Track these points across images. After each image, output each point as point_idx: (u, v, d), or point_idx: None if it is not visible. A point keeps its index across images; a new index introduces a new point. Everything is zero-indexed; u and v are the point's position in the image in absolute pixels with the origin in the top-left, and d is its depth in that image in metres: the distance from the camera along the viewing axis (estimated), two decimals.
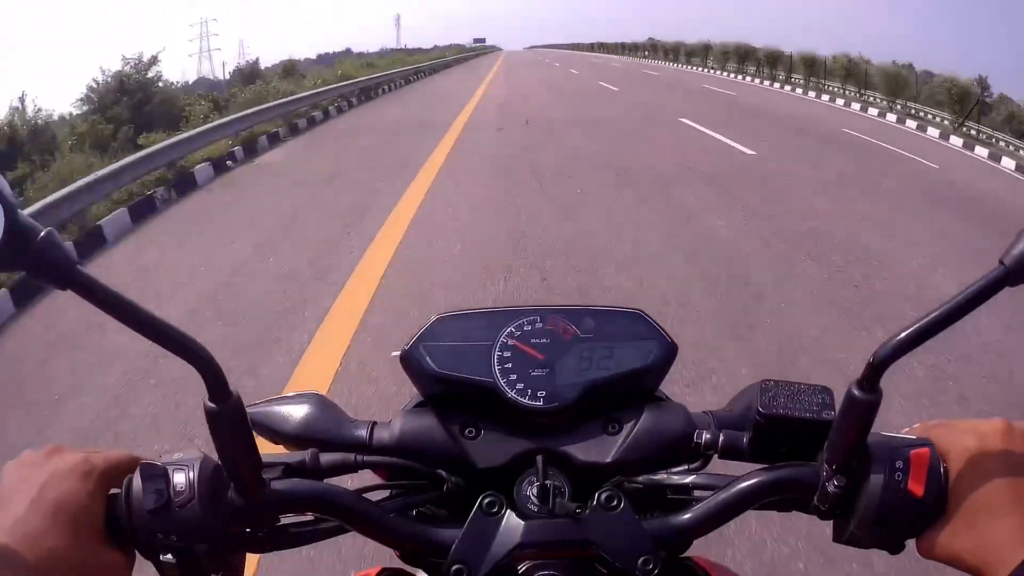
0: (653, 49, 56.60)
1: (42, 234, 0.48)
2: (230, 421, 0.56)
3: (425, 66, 37.82)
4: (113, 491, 0.59)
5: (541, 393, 0.68)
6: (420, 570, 0.73)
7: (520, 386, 0.69)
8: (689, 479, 0.67)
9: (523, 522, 0.61)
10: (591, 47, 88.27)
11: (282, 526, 0.65)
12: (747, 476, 0.63)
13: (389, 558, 0.71)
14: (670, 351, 0.72)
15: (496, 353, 0.70)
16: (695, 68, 40.87)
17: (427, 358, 0.70)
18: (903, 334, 0.54)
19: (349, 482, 0.65)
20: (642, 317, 0.73)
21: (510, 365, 0.70)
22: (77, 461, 0.59)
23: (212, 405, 0.56)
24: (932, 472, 0.58)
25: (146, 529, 0.57)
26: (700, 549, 0.71)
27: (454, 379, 0.70)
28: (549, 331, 0.72)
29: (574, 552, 0.62)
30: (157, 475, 0.58)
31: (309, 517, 0.66)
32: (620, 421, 0.70)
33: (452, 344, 0.71)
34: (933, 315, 0.53)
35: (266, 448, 0.65)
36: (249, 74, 23.58)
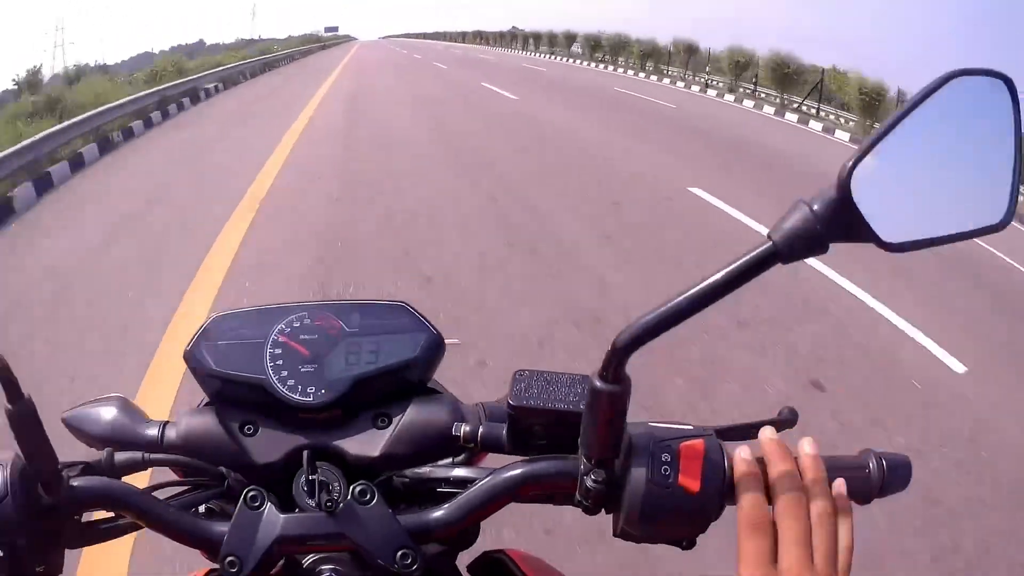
0: (514, 38, 57.26)
1: None
2: (25, 421, 0.58)
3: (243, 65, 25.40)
4: None
5: (311, 389, 0.69)
6: None
7: (291, 382, 0.69)
8: (452, 473, 0.69)
9: (281, 516, 0.62)
10: (452, 37, 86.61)
11: (88, 522, 0.66)
12: (504, 469, 0.63)
13: None
14: (436, 343, 0.73)
15: (268, 350, 0.71)
16: (547, 56, 41.51)
17: (206, 357, 0.70)
18: (644, 319, 0.53)
19: (149, 481, 0.69)
20: (407, 309, 0.74)
21: (281, 362, 0.70)
22: None
23: (10, 407, 0.58)
24: (709, 465, 0.58)
25: None
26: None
27: (229, 377, 0.70)
28: (317, 327, 0.72)
29: (332, 546, 0.63)
30: None
31: (111, 514, 0.67)
32: (389, 415, 0.70)
33: (228, 343, 0.71)
34: (682, 298, 0.52)
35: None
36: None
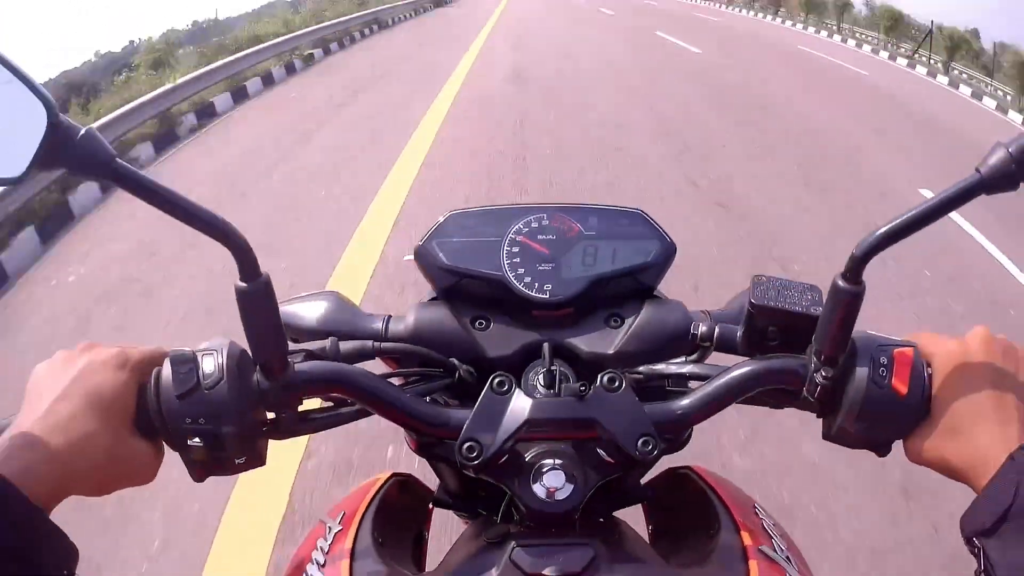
0: None
1: (82, 132, 0.52)
2: (260, 299, 0.58)
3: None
4: (144, 384, 0.61)
5: (547, 286, 0.72)
6: (427, 459, 0.76)
7: (527, 280, 0.72)
8: (686, 369, 0.70)
9: (531, 399, 0.63)
10: None
11: (304, 412, 0.66)
12: (739, 365, 0.65)
13: (400, 462, 0.74)
14: (669, 250, 0.75)
15: (505, 248, 0.73)
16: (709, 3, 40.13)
17: (439, 253, 0.73)
18: (883, 229, 0.56)
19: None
20: (643, 217, 0.76)
21: (518, 260, 0.73)
22: (111, 354, 0.60)
23: (243, 284, 0.57)
24: (915, 373, 0.60)
25: (175, 414, 0.58)
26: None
27: (465, 272, 0.73)
28: (555, 228, 0.75)
29: (578, 430, 0.64)
30: (186, 361, 0.59)
31: (328, 404, 0.68)
32: (621, 315, 0.73)
33: (463, 240, 0.74)
34: (911, 214, 0.56)
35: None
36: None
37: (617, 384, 0.64)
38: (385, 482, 0.79)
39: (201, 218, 0.55)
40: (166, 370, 0.59)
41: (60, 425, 0.55)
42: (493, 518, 0.72)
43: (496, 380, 0.64)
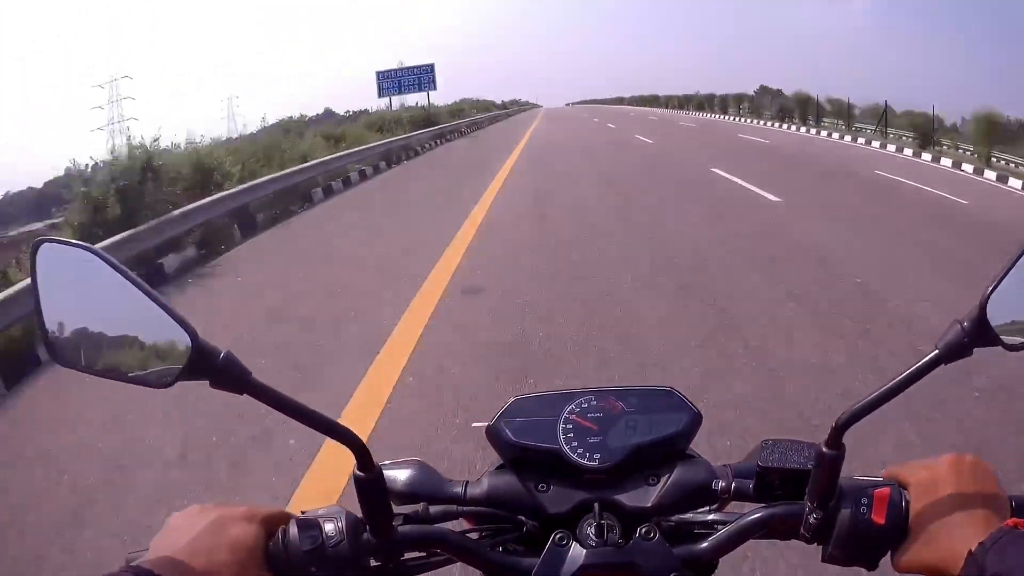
0: (687, 101, 58.78)
1: (223, 354, 0.68)
2: (374, 485, 0.76)
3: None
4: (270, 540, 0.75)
5: (596, 455, 0.88)
6: None
7: (580, 450, 0.88)
8: (710, 517, 0.85)
9: (584, 550, 0.78)
10: (628, 101, 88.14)
11: (403, 562, 0.82)
12: (750, 512, 0.80)
13: None
14: (696, 419, 0.91)
15: (561, 426, 0.90)
16: (734, 119, 41.70)
17: (506, 431, 0.90)
18: (859, 404, 0.73)
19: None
20: (674, 393, 0.93)
21: (572, 435, 0.89)
22: (242, 511, 0.74)
23: (361, 474, 0.75)
24: (892, 505, 0.75)
25: (303, 567, 0.74)
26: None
27: (528, 447, 0.89)
28: (602, 407, 0.91)
29: (622, 573, 0.78)
30: (312, 524, 0.76)
31: (422, 555, 0.83)
32: (658, 475, 0.88)
33: (526, 419, 0.91)
34: (882, 390, 0.72)
35: None
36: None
37: (652, 535, 0.79)
38: None
39: (326, 424, 0.72)
40: (293, 529, 0.76)
41: (199, 555, 0.67)
42: None
43: (558, 536, 0.80)
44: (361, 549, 0.77)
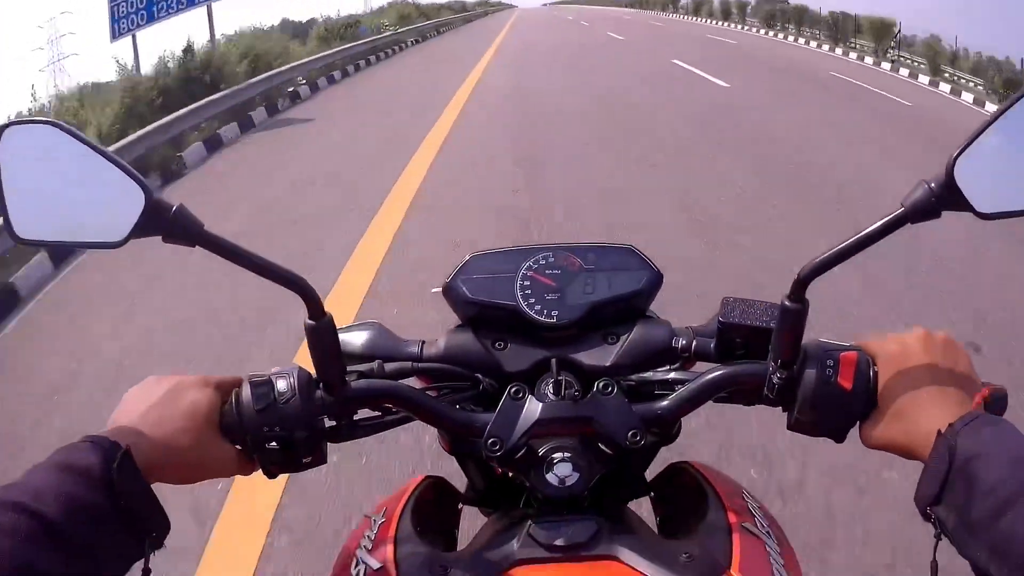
0: (668, 4, 56.17)
1: (175, 208, 0.66)
2: (324, 334, 0.73)
3: None
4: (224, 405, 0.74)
5: (554, 312, 0.86)
6: (457, 458, 0.91)
7: (538, 307, 0.86)
8: (670, 376, 0.84)
9: (540, 403, 0.76)
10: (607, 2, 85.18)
11: (356, 420, 0.80)
12: (710, 370, 0.78)
13: (431, 465, 0.91)
14: (657, 278, 0.89)
15: (518, 282, 0.88)
16: (706, 20, 40.74)
17: (463, 288, 0.88)
18: (822, 256, 0.69)
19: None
20: (634, 252, 0.90)
21: (529, 291, 0.87)
22: (197, 378, 0.74)
23: (311, 322, 0.72)
24: (860, 371, 0.72)
25: (255, 423, 0.72)
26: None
27: (486, 303, 0.87)
28: (560, 264, 0.89)
29: (579, 427, 0.77)
30: (264, 383, 0.74)
31: (377, 413, 0.82)
32: (617, 334, 0.87)
33: (483, 277, 0.88)
34: (847, 243, 0.68)
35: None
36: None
37: (610, 389, 0.77)
38: (420, 483, 0.91)
39: (277, 272, 0.69)
40: (245, 390, 0.74)
41: (156, 424, 0.68)
42: (514, 508, 0.87)
43: (513, 389, 0.77)
44: (314, 406, 0.74)
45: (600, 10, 64.57)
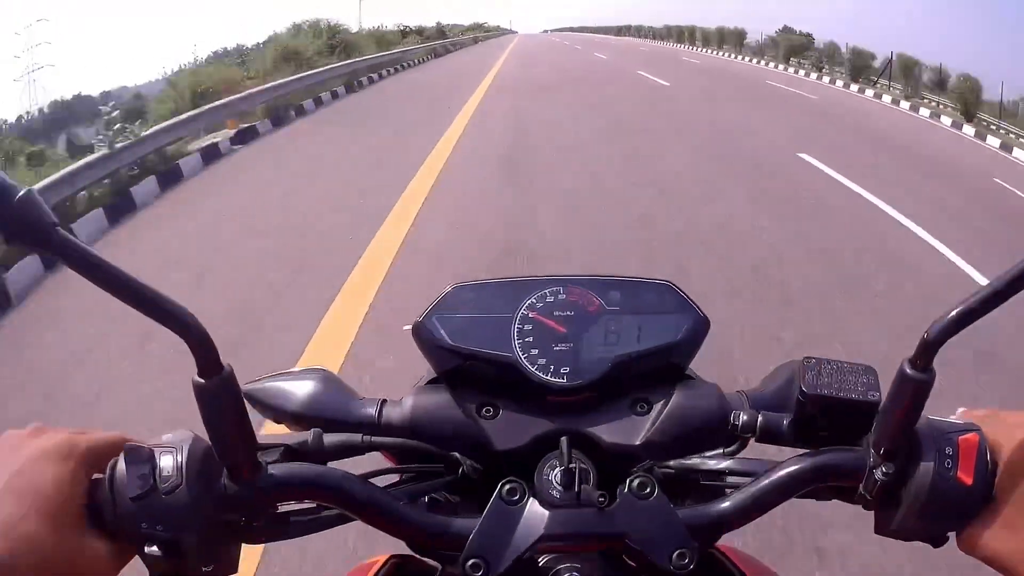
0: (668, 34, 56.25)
1: (20, 194, 0.44)
2: (221, 397, 0.51)
3: None
4: (96, 476, 0.54)
5: (564, 369, 0.64)
6: (432, 560, 0.68)
7: (542, 361, 0.64)
8: (724, 464, 0.62)
9: (547, 511, 0.56)
10: (608, 31, 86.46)
11: (282, 514, 0.60)
12: (789, 462, 0.58)
13: (398, 545, 0.66)
14: (701, 326, 0.68)
15: (516, 326, 0.65)
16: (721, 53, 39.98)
17: (441, 330, 0.66)
18: (955, 311, 0.51)
19: (355, 467, 0.60)
20: (672, 289, 0.69)
21: (531, 339, 0.65)
22: (58, 442, 0.53)
23: (201, 380, 0.51)
24: (980, 459, 0.55)
25: (130, 517, 0.52)
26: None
27: (470, 353, 0.65)
28: (572, 303, 0.67)
29: (602, 545, 0.57)
30: (142, 459, 0.52)
31: (311, 504, 0.60)
32: (649, 401, 0.66)
33: (469, 316, 0.66)
34: (982, 294, 0.50)
35: (270, 430, 0.61)
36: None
37: (648, 490, 0.56)
38: (383, 565, 0.72)
39: (153, 303, 0.48)
40: (121, 466, 0.53)
41: (2, 529, 0.48)
42: None
43: (506, 488, 0.57)
44: (210, 496, 0.54)
45: (604, 39, 62.53)
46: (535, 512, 0.55)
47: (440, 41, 31.19)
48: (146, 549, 0.52)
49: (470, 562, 0.54)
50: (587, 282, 0.68)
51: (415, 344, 0.68)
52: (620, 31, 79.13)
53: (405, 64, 25.10)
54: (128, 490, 0.51)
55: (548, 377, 0.63)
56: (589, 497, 0.56)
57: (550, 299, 0.67)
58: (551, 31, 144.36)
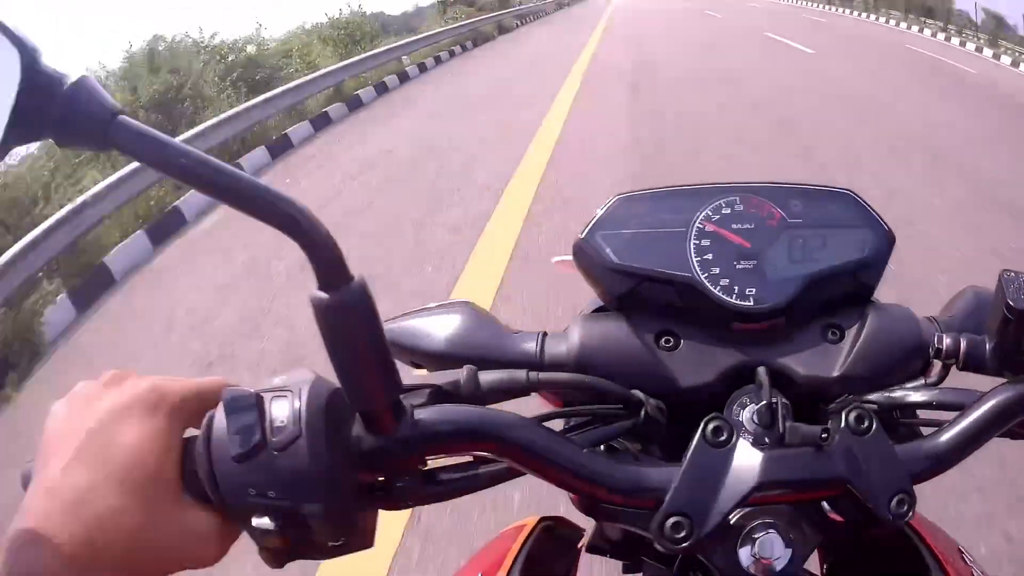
0: None
1: (71, 81, 0.38)
2: (351, 316, 0.41)
3: None
4: (190, 433, 0.45)
5: (750, 291, 0.56)
6: (595, 519, 0.61)
7: (725, 282, 0.56)
8: (931, 395, 0.54)
9: (761, 453, 0.47)
10: None
11: (428, 471, 0.50)
12: (999, 390, 0.51)
13: (555, 505, 0.60)
14: (887, 241, 0.59)
15: (692, 241, 0.57)
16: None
17: (607, 249, 0.58)
18: None
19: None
20: (855, 200, 0.60)
21: (710, 256, 0.57)
22: (142, 392, 0.44)
23: (323, 295, 0.41)
24: None
25: (233, 482, 0.42)
26: None
27: (642, 273, 0.57)
28: (752, 214, 0.59)
29: (818, 493, 0.49)
30: (247, 407, 0.43)
31: (466, 458, 0.51)
32: (840, 327, 0.57)
33: (637, 231, 0.58)
34: None
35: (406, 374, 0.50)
36: None
37: (867, 424, 0.48)
38: (534, 528, 0.70)
39: (253, 195, 0.40)
40: (220, 417, 0.43)
41: (77, 501, 0.40)
42: (664, 570, 0.60)
43: (711, 426, 0.48)
44: (339, 452, 0.44)
45: None
46: (746, 456, 0.47)
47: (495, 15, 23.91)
48: (254, 522, 0.42)
49: (671, 521, 0.46)
50: (766, 189, 0.60)
51: (576, 266, 0.60)
52: None
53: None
54: (230, 447, 0.42)
55: (734, 299, 0.56)
56: (804, 435, 0.47)
57: (726, 210, 0.59)
58: None
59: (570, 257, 0.61)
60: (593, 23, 23.46)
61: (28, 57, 0.38)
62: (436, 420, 0.46)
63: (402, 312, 0.62)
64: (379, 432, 0.45)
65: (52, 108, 0.37)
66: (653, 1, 37.94)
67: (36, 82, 0.37)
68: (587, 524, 0.68)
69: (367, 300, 0.41)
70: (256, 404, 0.43)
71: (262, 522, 0.42)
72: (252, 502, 0.42)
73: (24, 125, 0.38)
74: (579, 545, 0.72)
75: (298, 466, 0.42)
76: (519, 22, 25.36)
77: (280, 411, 0.43)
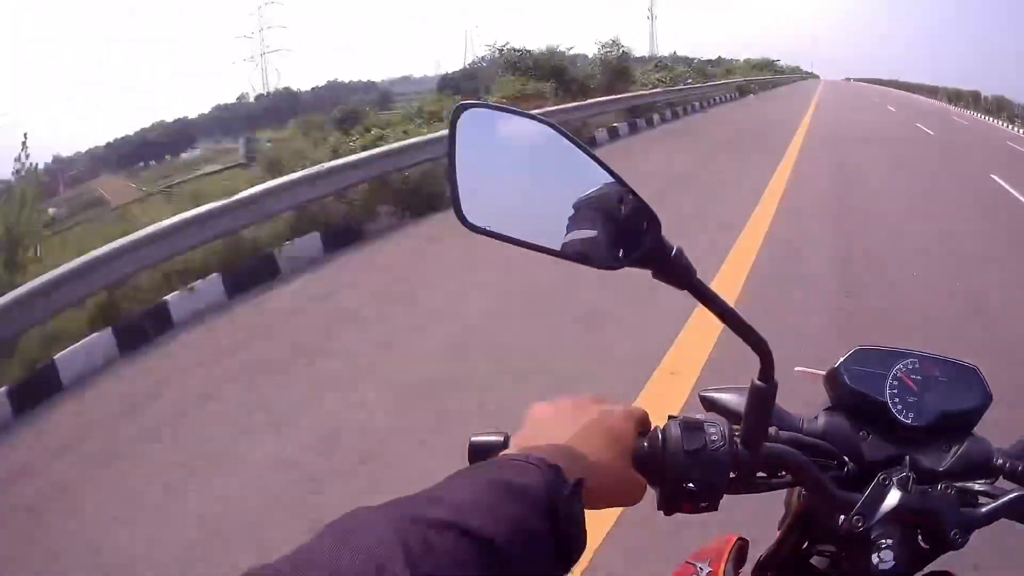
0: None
1: (675, 249, 0.69)
2: (767, 397, 0.75)
3: None
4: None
5: (911, 414, 0.91)
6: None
7: (900, 407, 0.91)
8: (987, 488, 0.87)
9: (900, 493, 0.80)
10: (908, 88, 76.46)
11: (761, 478, 0.83)
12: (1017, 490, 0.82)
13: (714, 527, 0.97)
14: (988, 400, 0.94)
15: (889, 380, 0.93)
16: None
17: (845, 376, 0.94)
18: None
19: None
20: (978, 373, 0.95)
21: (896, 392, 0.92)
22: (621, 408, 0.75)
23: (759, 383, 0.74)
24: None
25: (679, 464, 0.74)
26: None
27: (861, 394, 0.93)
28: (922, 370, 0.94)
29: (921, 517, 0.81)
30: (696, 427, 0.76)
31: (762, 474, 0.85)
32: (950, 443, 0.91)
33: (861, 369, 0.95)
34: None
35: None
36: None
37: (951, 491, 0.83)
38: (734, 544, 0.94)
39: (742, 325, 0.74)
40: (675, 430, 0.76)
41: (584, 450, 0.68)
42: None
43: (882, 476, 0.83)
44: (734, 458, 0.78)
45: (899, 93, 53.07)
46: (895, 493, 0.81)
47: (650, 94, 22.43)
48: (684, 486, 0.74)
49: (855, 517, 0.79)
50: (931, 358, 0.96)
51: (823, 384, 0.98)
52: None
53: None
54: (685, 444, 0.74)
55: (902, 418, 0.91)
56: (916, 490, 0.81)
57: (910, 367, 0.94)
58: (854, 79, 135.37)
59: (812, 369, 0.98)
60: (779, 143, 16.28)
61: (656, 228, 0.68)
62: (775, 451, 0.80)
63: (720, 385, 0.93)
64: (752, 452, 0.78)
65: (660, 259, 0.69)
66: (856, 110, 35.98)
67: (658, 243, 0.68)
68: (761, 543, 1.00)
69: (773, 393, 0.76)
70: (700, 426, 0.77)
71: (688, 486, 0.75)
72: (686, 474, 0.75)
73: (643, 260, 0.68)
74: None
75: (717, 461, 0.75)
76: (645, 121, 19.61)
77: (713, 432, 0.77)
